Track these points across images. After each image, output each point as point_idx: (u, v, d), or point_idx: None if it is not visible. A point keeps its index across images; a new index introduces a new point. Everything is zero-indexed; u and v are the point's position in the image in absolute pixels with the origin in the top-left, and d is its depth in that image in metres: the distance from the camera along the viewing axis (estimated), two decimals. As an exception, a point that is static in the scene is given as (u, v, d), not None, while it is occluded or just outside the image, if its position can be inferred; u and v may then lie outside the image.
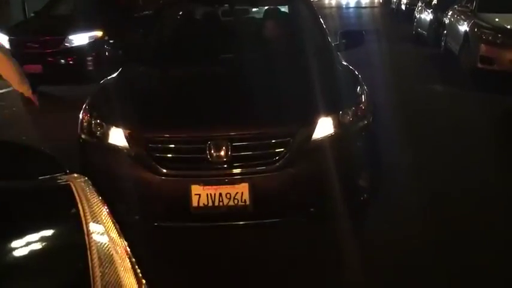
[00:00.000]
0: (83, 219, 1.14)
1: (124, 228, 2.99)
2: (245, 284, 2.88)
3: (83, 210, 1.17)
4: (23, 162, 1.60)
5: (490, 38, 7.76)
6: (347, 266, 2.97)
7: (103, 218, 1.21)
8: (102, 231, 1.18)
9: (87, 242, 1.08)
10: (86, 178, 1.36)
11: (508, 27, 7.71)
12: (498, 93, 6.92)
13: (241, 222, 2.96)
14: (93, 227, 1.15)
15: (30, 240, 1.12)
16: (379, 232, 3.33)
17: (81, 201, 1.19)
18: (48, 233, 1.16)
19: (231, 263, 3.06)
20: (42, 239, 1.14)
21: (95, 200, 1.25)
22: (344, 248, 3.09)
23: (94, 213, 1.19)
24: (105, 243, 1.13)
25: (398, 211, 3.61)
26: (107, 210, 1.26)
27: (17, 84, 3.32)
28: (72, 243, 1.13)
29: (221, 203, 2.82)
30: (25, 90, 3.39)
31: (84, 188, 1.27)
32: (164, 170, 2.84)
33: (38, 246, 1.13)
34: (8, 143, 1.88)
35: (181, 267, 3.01)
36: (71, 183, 1.28)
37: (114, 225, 1.22)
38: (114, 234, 1.20)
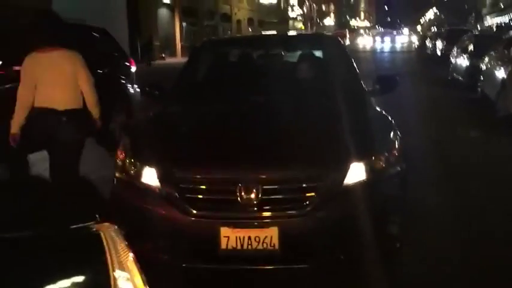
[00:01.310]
0: (110, 266, 1.17)
1: (152, 267, 3.02)
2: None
3: (111, 258, 1.20)
4: (58, 209, 1.67)
5: (527, 85, 7.64)
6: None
7: (129, 265, 1.23)
8: (127, 278, 1.21)
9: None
10: (116, 227, 1.40)
11: (547, 74, 7.58)
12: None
13: (269, 267, 2.92)
14: (119, 274, 1.17)
15: (62, 286, 1.15)
16: (411, 277, 3.23)
17: (109, 249, 1.23)
18: (79, 279, 1.20)
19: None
20: (73, 286, 1.17)
21: (122, 248, 1.28)
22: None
23: (121, 261, 1.22)
24: None
25: (429, 258, 3.50)
26: (133, 257, 1.28)
27: (95, 106, 4.16)
28: None
29: (250, 246, 2.80)
30: (97, 112, 4.21)
31: (113, 236, 1.31)
32: (194, 211, 2.85)
33: None
34: (46, 187, 1.98)
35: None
36: (101, 233, 1.33)
37: (139, 272, 1.24)
38: (138, 280, 1.22)
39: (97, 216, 1.48)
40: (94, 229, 1.38)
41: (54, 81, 4.00)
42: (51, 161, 4.09)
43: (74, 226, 1.46)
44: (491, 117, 8.56)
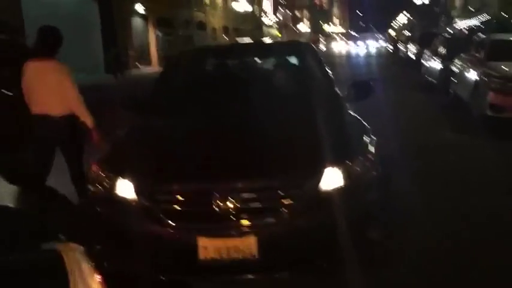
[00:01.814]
0: None
1: (131, 280, 2.97)
2: None
3: (74, 281, 1.17)
4: (17, 230, 1.62)
5: (499, 86, 7.80)
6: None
7: (94, 287, 1.20)
8: None
9: None
10: (82, 248, 1.37)
11: (517, 75, 7.75)
12: (508, 141, 6.89)
13: (249, 276, 2.90)
14: None
15: None
16: (390, 283, 3.25)
17: (72, 272, 1.19)
18: None
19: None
20: None
21: (88, 270, 1.25)
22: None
23: (85, 284, 1.18)
24: None
25: (409, 264, 3.52)
26: (100, 280, 1.25)
27: (86, 115, 4.33)
28: None
29: (228, 256, 2.78)
30: (91, 122, 4.37)
31: (78, 257, 1.28)
32: (171, 223, 2.83)
33: None
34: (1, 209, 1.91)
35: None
36: (64, 255, 1.29)
37: None
38: None
39: (62, 236, 1.44)
40: (56, 251, 1.33)
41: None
42: (66, 157, 4.50)
43: (35, 249, 1.41)
44: (465, 119, 8.71)
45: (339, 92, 4.20)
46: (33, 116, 4.39)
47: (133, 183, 2.97)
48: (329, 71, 4.44)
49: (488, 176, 5.59)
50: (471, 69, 9.30)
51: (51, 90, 4.28)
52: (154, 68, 30.79)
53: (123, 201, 2.98)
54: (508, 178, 5.49)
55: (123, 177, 3.02)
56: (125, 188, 2.99)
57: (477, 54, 9.64)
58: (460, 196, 4.91)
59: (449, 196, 4.91)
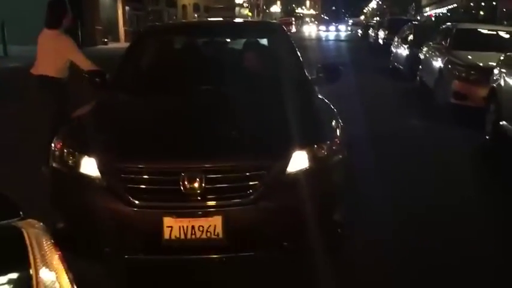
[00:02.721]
0: (32, 266, 1.12)
1: (94, 260, 2.94)
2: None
3: (34, 257, 1.15)
4: None
5: (463, 74, 7.99)
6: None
7: (55, 263, 1.18)
8: (52, 279, 1.16)
9: None
10: (41, 224, 1.34)
11: (481, 64, 7.95)
12: (470, 128, 7.09)
13: (214, 256, 2.91)
14: (43, 274, 1.12)
15: None
16: (353, 265, 3.32)
17: (32, 248, 1.17)
18: None
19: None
20: None
21: (48, 246, 1.23)
22: (318, 283, 3.06)
23: (46, 260, 1.16)
24: None
25: (373, 244, 3.61)
26: (60, 256, 1.23)
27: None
28: None
29: (193, 236, 2.78)
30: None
31: (38, 234, 1.25)
32: (136, 201, 2.79)
33: None
34: None
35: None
36: (24, 230, 1.26)
37: (66, 272, 1.19)
38: (66, 281, 1.17)
39: (20, 212, 1.40)
40: (16, 227, 1.30)
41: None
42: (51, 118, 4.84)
43: None
44: (430, 106, 8.90)
45: (308, 75, 4.21)
46: (31, 77, 5.02)
47: (96, 161, 2.91)
48: (299, 53, 4.43)
49: (444, 162, 5.76)
50: (437, 57, 9.48)
51: (47, 55, 4.93)
52: (122, 43, 30.15)
53: (86, 179, 2.93)
54: (461, 165, 5.66)
55: (87, 154, 2.96)
56: (89, 165, 2.93)
57: (443, 43, 9.82)
58: (416, 181, 5.05)
59: (405, 181, 5.04)
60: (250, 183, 2.84)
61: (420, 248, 3.58)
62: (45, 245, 1.23)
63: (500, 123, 6.13)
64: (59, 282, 1.15)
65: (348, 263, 3.35)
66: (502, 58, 6.80)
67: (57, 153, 3.11)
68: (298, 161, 2.96)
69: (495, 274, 3.29)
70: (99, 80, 4.04)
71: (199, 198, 2.81)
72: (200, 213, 2.81)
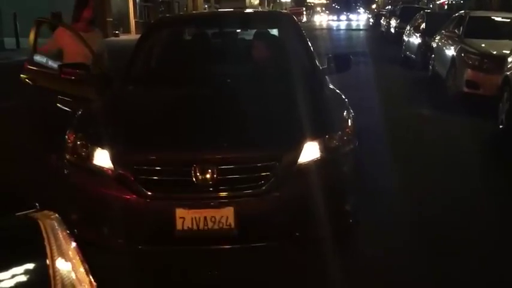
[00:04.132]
0: (49, 257, 1.14)
1: (107, 251, 2.97)
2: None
3: (50, 248, 1.17)
4: None
5: (476, 63, 7.89)
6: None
7: (70, 254, 1.20)
8: (68, 269, 1.18)
9: (52, 280, 1.08)
10: (57, 215, 1.36)
11: (494, 52, 7.85)
12: (483, 118, 7.01)
13: (225, 246, 2.93)
14: (59, 264, 1.14)
15: None
16: (364, 256, 3.33)
17: (48, 239, 1.19)
18: (15, 271, 1.16)
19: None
20: (6, 277, 1.13)
21: (64, 237, 1.25)
22: (328, 273, 3.07)
23: (61, 251, 1.18)
24: (71, 281, 1.13)
25: (383, 235, 3.60)
26: (75, 247, 1.25)
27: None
28: (37, 281, 1.13)
29: (206, 227, 2.80)
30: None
31: (54, 224, 1.27)
32: (149, 193, 2.82)
33: (1, 285, 1.13)
34: None
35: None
36: (40, 221, 1.28)
37: (82, 262, 1.21)
38: (81, 271, 1.19)
39: (36, 204, 1.43)
40: (32, 217, 1.33)
41: None
42: None
43: (10, 215, 1.41)
44: (442, 95, 8.82)
45: (319, 64, 4.19)
46: None
47: (109, 152, 2.94)
48: (309, 43, 4.41)
49: (456, 151, 5.71)
50: (449, 46, 9.37)
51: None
52: (133, 35, 30.20)
53: (99, 171, 2.96)
54: (474, 155, 5.60)
55: (100, 146, 2.99)
56: (101, 157, 2.96)
57: (455, 31, 9.70)
58: (425, 171, 5.02)
59: (415, 170, 5.02)
60: (262, 174, 2.85)
61: (431, 239, 3.57)
62: (60, 235, 1.25)
63: (514, 112, 6.06)
64: (75, 273, 1.17)
65: (359, 253, 3.35)
66: (515, 46, 6.71)
67: (70, 145, 3.14)
68: (310, 151, 2.96)
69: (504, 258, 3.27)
70: (81, 72, 3.92)
71: (211, 189, 2.82)
72: (212, 204, 2.83)
